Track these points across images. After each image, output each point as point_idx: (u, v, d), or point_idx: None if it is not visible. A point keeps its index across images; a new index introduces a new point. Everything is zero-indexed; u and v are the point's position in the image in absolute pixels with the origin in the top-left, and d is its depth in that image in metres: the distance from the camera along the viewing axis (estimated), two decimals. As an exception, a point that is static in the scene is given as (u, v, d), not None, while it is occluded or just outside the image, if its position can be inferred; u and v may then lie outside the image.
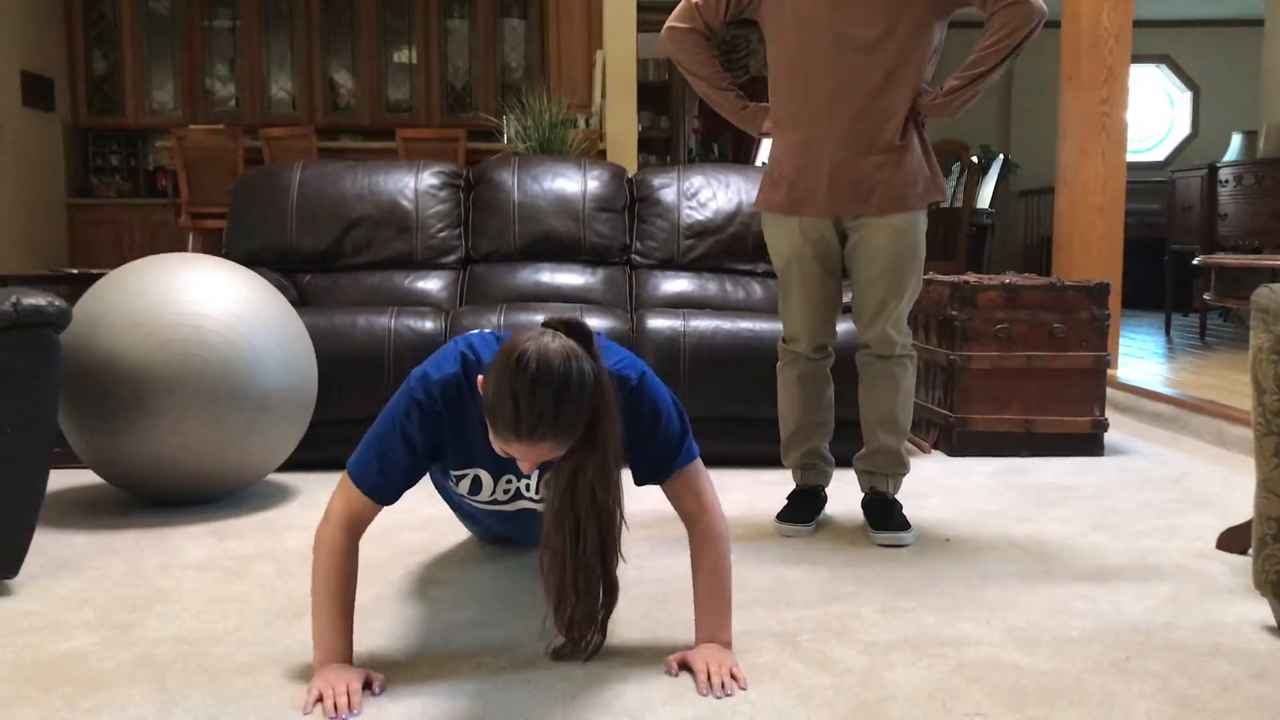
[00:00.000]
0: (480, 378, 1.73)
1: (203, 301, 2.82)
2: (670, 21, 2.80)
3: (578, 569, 1.80)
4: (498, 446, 1.71)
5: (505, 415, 1.64)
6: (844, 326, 2.89)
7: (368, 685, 1.79)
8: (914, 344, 2.82)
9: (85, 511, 2.97)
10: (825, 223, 2.70)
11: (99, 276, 3.72)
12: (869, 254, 2.69)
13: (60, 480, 3.26)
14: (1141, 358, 5.91)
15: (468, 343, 1.91)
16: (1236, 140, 7.18)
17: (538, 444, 1.66)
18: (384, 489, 1.86)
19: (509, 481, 2.05)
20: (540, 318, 3.56)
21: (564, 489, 1.77)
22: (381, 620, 2.14)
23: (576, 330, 1.72)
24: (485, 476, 2.02)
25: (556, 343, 1.67)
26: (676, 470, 1.92)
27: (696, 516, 1.95)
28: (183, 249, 6.28)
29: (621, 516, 1.82)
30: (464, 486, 2.05)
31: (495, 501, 2.10)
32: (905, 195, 2.65)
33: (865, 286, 2.73)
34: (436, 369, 1.87)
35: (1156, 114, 10.98)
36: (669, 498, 1.97)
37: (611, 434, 1.74)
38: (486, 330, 2.02)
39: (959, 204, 6.34)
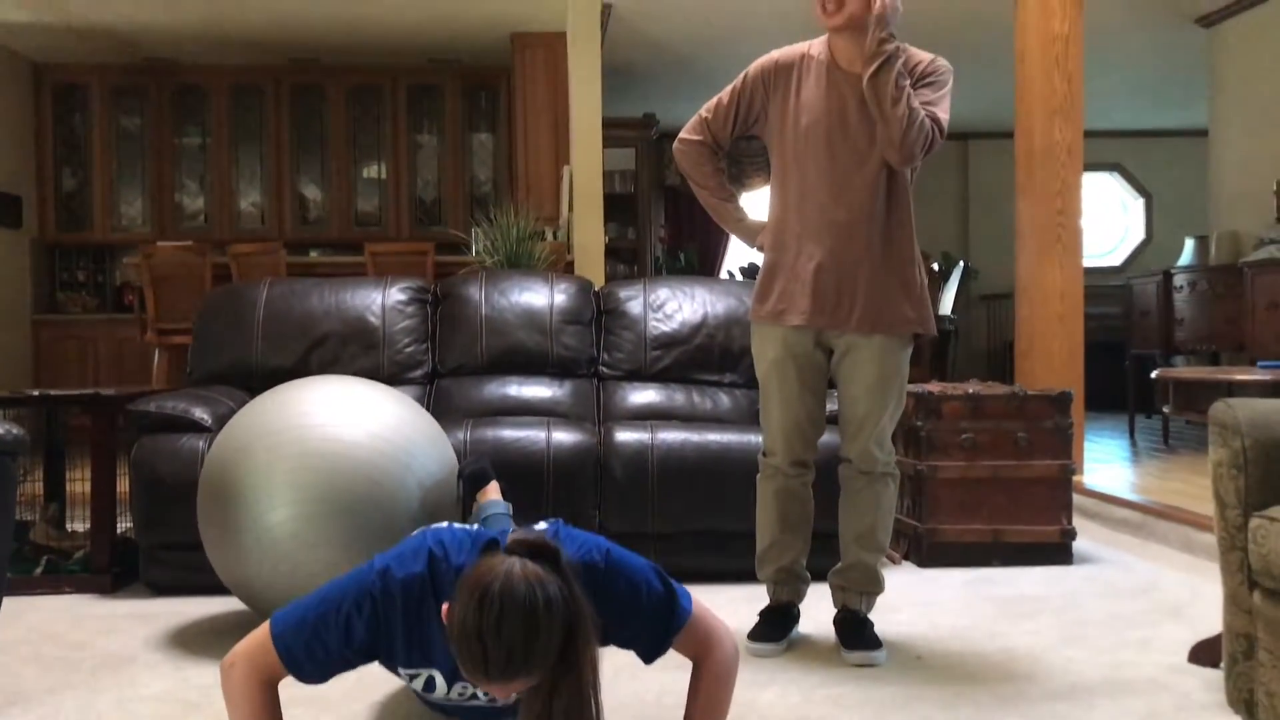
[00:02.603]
0: (445, 606, 1.63)
1: (348, 425, 2.66)
2: (682, 133, 2.92)
3: None
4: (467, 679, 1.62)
5: (473, 657, 1.55)
6: (827, 438, 2.90)
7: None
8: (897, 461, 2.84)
9: (39, 640, 2.89)
10: (808, 336, 2.74)
11: (60, 399, 3.69)
12: (851, 371, 2.73)
13: (12, 608, 3.17)
14: (1107, 462, 5.95)
15: (438, 539, 1.79)
16: (1189, 245, 7.34)
17: (509, 682, 1.58)
18: (305, 669, 1.74)
19: (465, 686, 1.89)
20: (507, 432, 3.57)
21: (537, 716, 1.64)
22: (343, 755, 2.08)
23: (541, 551, 1.63)
24: (440, 679, 1.87)
25: (520, 570, 1.58)
26: (676, 636, 1.86)
27: (702, 658, 1.90)
28: (148, 366, 6.24)
29: None
30: (417, 684, 1.90)
31: (450, 700, 1.96)
32: (887, 317, 2.69)
33: (849, 402, 2.76)
34: (400, 565, 1.75)
35: (1112, 219, 11.25)
36: (675, 650, 1.90)
37: (587, 653, 1.63)
38: (457, 525, 1.91)
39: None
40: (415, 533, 1.87)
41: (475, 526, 1.89)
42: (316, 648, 1.73)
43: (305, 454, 2.60)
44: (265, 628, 1.75)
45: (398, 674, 1.89)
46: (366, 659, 1.79)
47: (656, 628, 1.85)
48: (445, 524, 1.90)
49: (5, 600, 3.23)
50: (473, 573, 1.60)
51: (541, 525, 1.92)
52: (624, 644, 1.87)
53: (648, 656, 1.89)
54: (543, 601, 1.56)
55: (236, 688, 1.74)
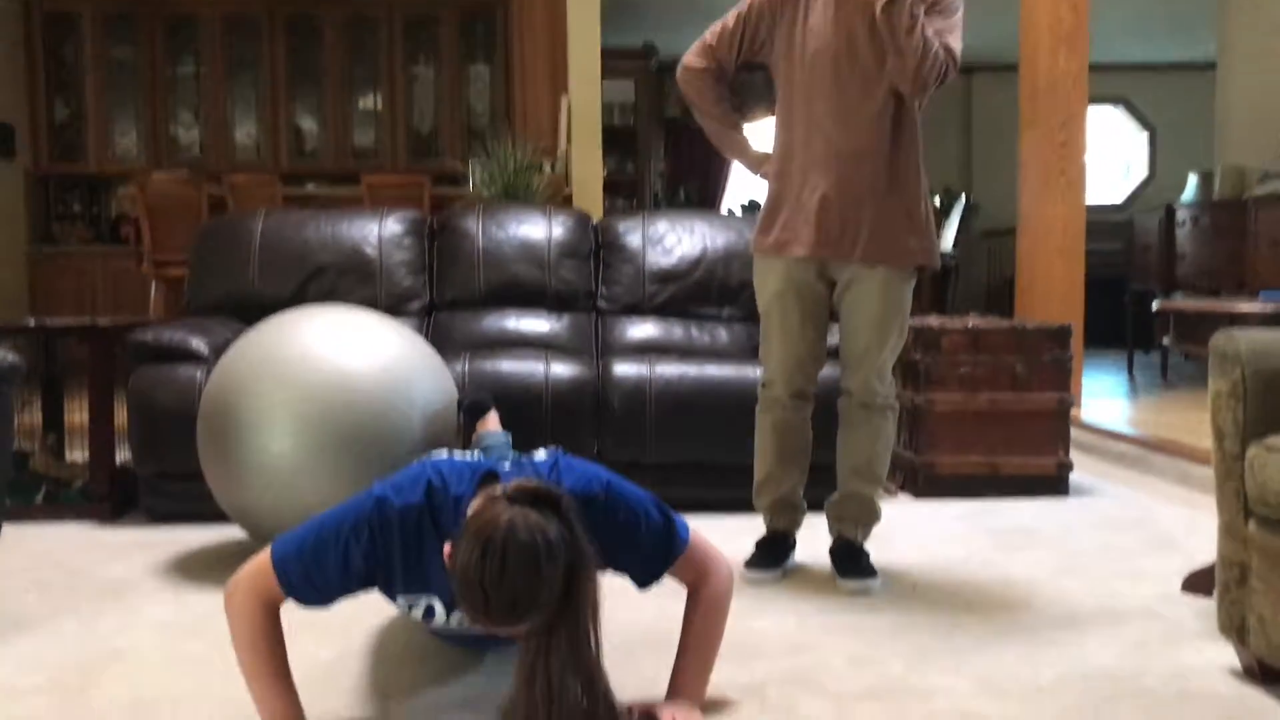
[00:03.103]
0: (447, 548, 1.62)
1: (351, 355, 2.64)
2: (685, 59, 2.87)
3: None
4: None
5: (475, 603, 1.56)
6: (827, 370, 2.89)
7: (327, 747, 1.75)
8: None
9: (40, 566, 2.91)
10: (810, 267, 2.72)
11: (56, 329, 3.68)
12: (854, 302, 2.72)
13: (13, 535, 3.19)
14: (1104, 397, 5.96)
15: (437, 469, 1.79)
16: (1193, 181, 7.29)
17: (511, 626, 1.58)
18: (305, 595, 1.76)
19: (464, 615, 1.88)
20: (505, 365, 3.56)
21: (535, 652, 1.62)
22: (345, 679, 2.10)
23: (544, 498, 1.61)
24: (439, 607, 1.87)
25: (523, 521, 1.55)
26: (672, 566, 1.87)
27: (697, 586, 1.91)
28: (146, 298, 6.22)
29: (602, 673, 1.65)
30: (416, 613, 1.90)
31: (450, 628, 1.96)
32: (892, 248, 2.67)
33: (850, 334, 2.75)
34: (399, 495, 1.75)
35: (1115, 156, 11.16)
36: (672, 578, 1.91)
37: (587, 595, 1.62)
38: (457, 456, 1.89)
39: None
40: (415, 461, 1.87)
41: (475, 455, 1.88)
42: (315, 574, 1.74)
43: (308, 384, 2.59)
44: (266, 554, 1.76)
45: (396, 603, 1.89)
46: (365, 586, 1.80)
47: (654, 558, 1.86)
48: (445, 453, 1.90)
49: (7, 528, 3.25)
50: (475, 521, 1.58)
51: (541, 454, 1.92)
52: (620, 569, 1.88)
53: (642, 583, 1.90)
54: (545, 552, 1.55)
55: (238, 610, 1.76)
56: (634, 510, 1.82)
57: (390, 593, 1.86)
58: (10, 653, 2.25)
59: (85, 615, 2.50)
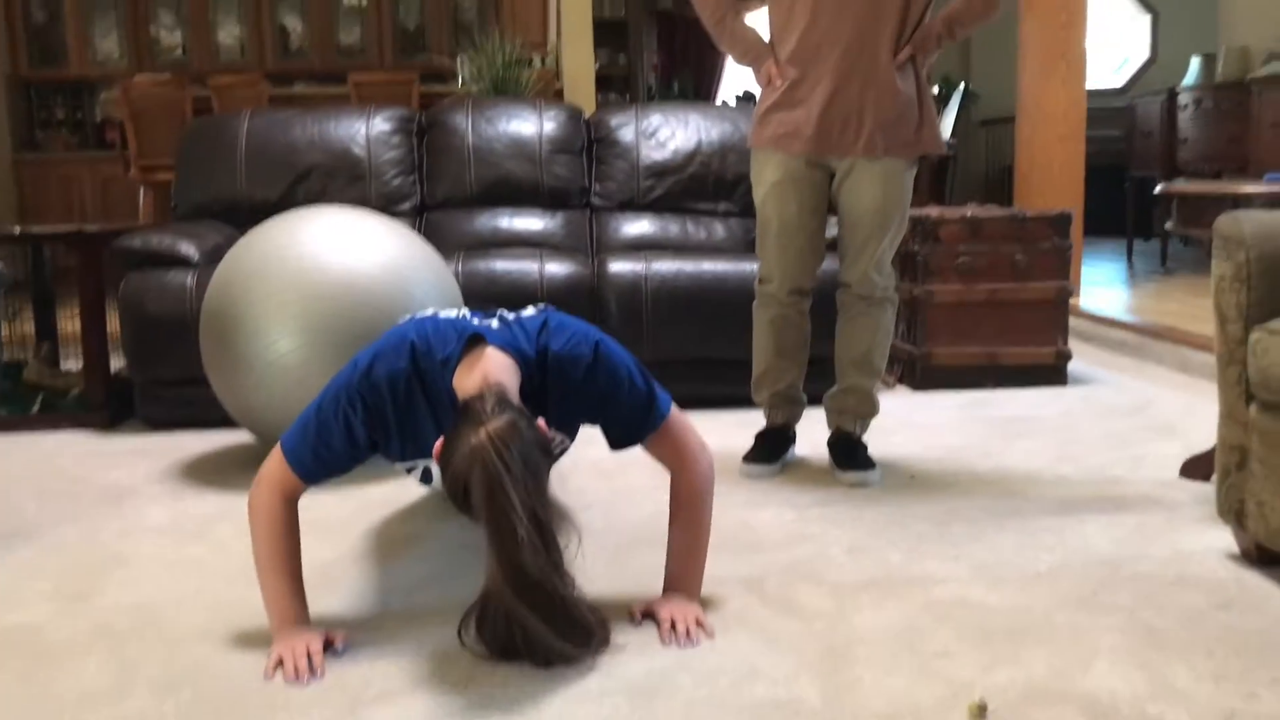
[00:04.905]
0: (438, 445, 1.64)
1: (355, 255, 2.62)
2: None
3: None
4: None
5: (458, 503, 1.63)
6: (826, 264, 2.85)
7: (329, 645, 1.77)
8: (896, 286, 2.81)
9: (38, 477, 2.91)
10: (809, 159, 2.66)
11: (43, 237, 3.63)
12: (854, 193, 2.66)
13: (12, 444, 3.19)
14: (1104, 285, 5.92)
15: (421, 332, 1.80)
16: (1195, 64, 7.14)
17: None
18: (319, 474, 1.81)
19: None
20: (499, 264, 3.52)
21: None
22: (344, 579, 2.11)
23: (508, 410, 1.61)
24: (435, 470, 1.86)
25: (490, 460, 1.55)
26: (650, 435, 1.88)
27: (678, 470, 1.92)
28: (134, 203, 6.14)
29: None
30: (414, 476, 1.97)
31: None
32: (894, 139, 2.61)
33: (850, 225, 2.70)
34: (383, 363, 1.78)
35: (1114, 40, 10.92)
36: (650, 454, 1.92)
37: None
38: (440, 314, 1.89)
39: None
40: (400, 322, 1.89)
41: (461, 314, 1.87)
42: (324, 453, 1.78)
43: (314, 283, 2.57)
44: (277, 449, 1.81)
45: (395, 464, 1.93)
46: (371, 451, 1.84)
47: (631, 422, 1.87)
48: (430, 312, 1.89)
49: (6, 437, 3.25)
50: (451, 461, 1.60)
51: (530, 311, 1.91)
52: (600, 426, 1.90)
53: (616, 444, 1.91)
54: (507, 489, 1.56)
55: (260, 507, 1.81)
56: (618, 374, 1.84)
57: (389, 455, 1.89)
58: (12, 560, 2.25)
59: (86, 522, 2.50)
